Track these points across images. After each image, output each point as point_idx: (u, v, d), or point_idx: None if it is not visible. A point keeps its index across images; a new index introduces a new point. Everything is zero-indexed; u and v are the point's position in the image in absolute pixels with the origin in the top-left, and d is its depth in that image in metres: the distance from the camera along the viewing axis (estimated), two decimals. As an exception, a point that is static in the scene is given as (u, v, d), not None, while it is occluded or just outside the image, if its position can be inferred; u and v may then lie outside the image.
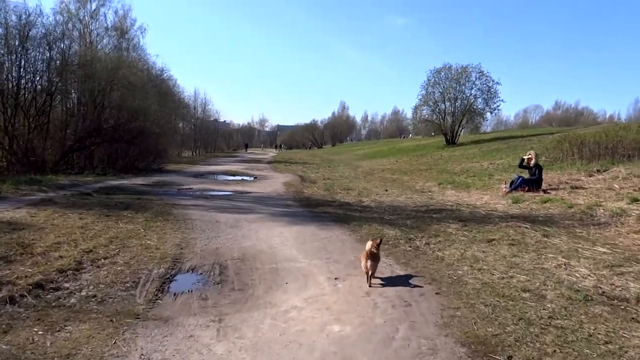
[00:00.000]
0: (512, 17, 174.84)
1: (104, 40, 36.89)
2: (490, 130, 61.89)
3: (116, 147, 22.33)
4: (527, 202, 10.78)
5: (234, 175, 22.16)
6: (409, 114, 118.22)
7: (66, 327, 3.95)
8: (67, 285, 5.11)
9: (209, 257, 6.47)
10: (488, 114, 38.88)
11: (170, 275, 5.66)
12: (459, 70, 37.23)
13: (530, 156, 12.61)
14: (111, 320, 4.12)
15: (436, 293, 4.89)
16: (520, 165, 12.85)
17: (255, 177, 20.57)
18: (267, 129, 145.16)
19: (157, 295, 4.93)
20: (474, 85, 37.11)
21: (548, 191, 11.75)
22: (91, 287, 5.07)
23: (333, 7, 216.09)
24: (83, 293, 4.87)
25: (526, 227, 8.16)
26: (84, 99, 24.58)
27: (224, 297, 4.93)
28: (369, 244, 5.51)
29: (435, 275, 5.60)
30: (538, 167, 12.34)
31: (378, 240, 5.64)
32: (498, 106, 37.35)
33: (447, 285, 5.17)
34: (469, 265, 6.03)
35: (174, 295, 4.98)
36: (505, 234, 7.76)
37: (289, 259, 6.44)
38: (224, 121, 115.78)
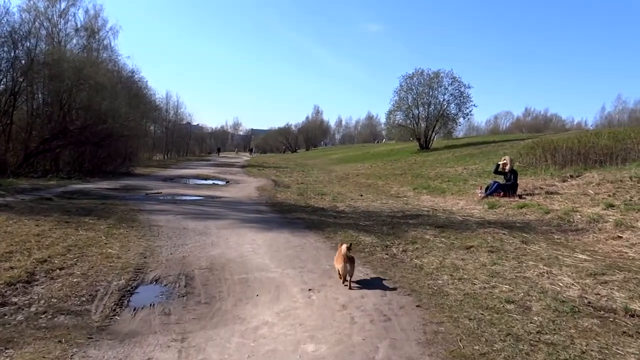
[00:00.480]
0: (484, 25, 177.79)
1: (74, 41, 35.97)
2: (462, 136, 62.55)
3: (82, 150, 21.54)
4: (504, 208, 10.66)
5: (205, 179, 21.62)
6: (382, 119, 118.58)
7: (7, 351, 3.51)
8: (15, 300, 4.65)
9: (174, 267, 6.06)
10: (461, 119, 39.24)
11: (131, 288, 5.24)
12: (431, 76, 37.52)
13: (505, 161, 12.53)
14: (60, 341, 3.70)
15: (417, 306, 4.59)
16: (496, 172, 12.75)
17: (228, 182, 20.09)
18: (241, 133, 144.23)
19: (115, 310, 4.52)
20: (446, 91, 37.51)
21: (523, 196, 11.67)
22: (42, 301, 4.62)
23: (307, 13, 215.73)
24: (32, 309, 4.42)
25: (504, 234, 7.97)
26: (49, 99, 23.69)
27: (188, 311, 4.55)
28: (343, 248, 5.38)
29: (414, 286, 5.32)
30: (513, 172, 12.25)
31: (348, 244, 5.50)
32: (470, 110, 37.74)
33: (428, 297, 4.89)
34: (448, 274, 5.78)
35: (134, 310, 4.58)
36: (484, 240, 7.56)
37: (261, 269, 6.08)
38: (197, 124, 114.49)
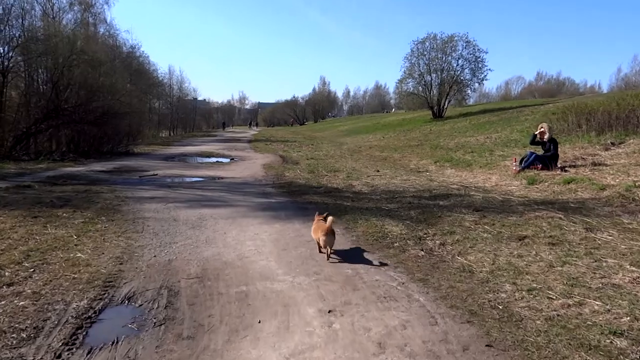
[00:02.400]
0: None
1: (68, 15, 34.45)
2: (473, 103, 60.11)
3: (77, 130, 20.18)
4: (547, 183, 9.22)
5: (208, 156, 20.26)
6: (391, 88, 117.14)
7: None
8: None
9: (155, 277, 4.75)
10: (476, 84, 37.26)
11: (94, 312, 3.94)
12: (445, 40, 35.54)
13: (542, 129, 11.01)
14: None
15: (487, 345, 3.22)
16: (533, 142, 11.22)
17: (232, 159, 18.74)
18: (247, 107, 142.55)
19: (60, 356, 3.23)
20: (460, 56, 35.54)
21: (566, 169, 10.20)
22: (-40, 345, 3.33)
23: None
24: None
25: (560, 218, 6.57)
26: (41, 77, 22.33)
27: (164, 353, 3.24)
28: (330, 219, 5.41)
29: (470, 303, 3.97)
30: (553, 141, 10.75)
31: (325, 214, 5.70)
32: (486, 75, 35.77)
33: (497, 327, 3.50)
34: (510, 281, 4.42)
35: (88, 353, 3.28)
36: (539, 227, 6.17)
37: (265, 276, 4.75)
38: (204, 100, 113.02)
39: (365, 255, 5.43)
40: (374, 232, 6.28)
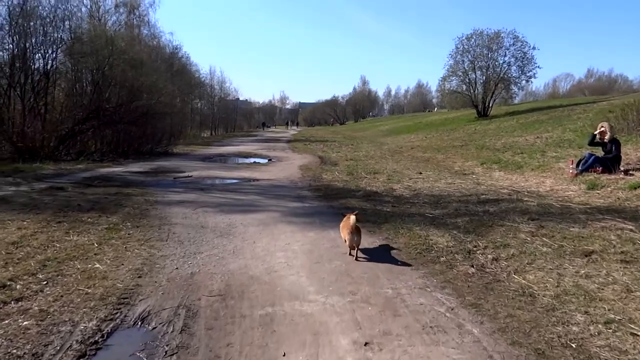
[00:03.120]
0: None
1: (113, 17, 35.17)
2: (519, 102, 57.56)
3: (118, 129, 20.28)
4: (609, 189, 8.33)
5: (246, 157, 19.99)
6: (433, 87, 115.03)
7: None
8: None
9: (175, 293, 4.30)
10: (524, 82, 35.62)
11: (102, 336, 3.51)
12: (491, 36, 34.20)
13: (603, 129, 10.05)
14: None
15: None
16: (592, 143, 10.25)
17: (270, 159, 18.37)
18: (288, 107, 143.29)
19: (53, 393, 2.80)
20: (507, 52, 34.11)
21: (630, 172, 9.25)
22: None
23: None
24: None
25: (631, 230, 5.78)
26: (84, 78, 22.60)
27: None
28: (352, 218, 5.22)
29: (536, 339, 3.30)
30: (615, 142, 9.80)
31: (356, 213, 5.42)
32: (535, 73, 34.16)
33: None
34: (581, 309, 3.73)
35: (86, 389, 2.84)
36: (607, 241, 5.41)
37: (294, 295, 4.23)
38: (246, 100, 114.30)
39: (408, 271, 4.83)
40: (417, 244, 5.66)
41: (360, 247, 5.34)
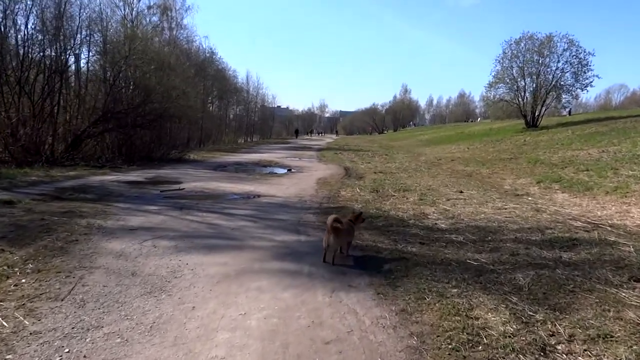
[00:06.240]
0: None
1: (145, 19, 34.21)
2: (566, 114, 53.10)
3: (126, 134, 18.62)
4: None
5: (265, 166, 17.95)
6: (476, 97, 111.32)
7: None
8: None
9: None
10: (578, 90, 32.16)
11: None
12: (542, 40, 31.05)
13: None
14: None
15: None
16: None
17: (289, 169, 16.29)
18: (327, 115, 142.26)
19: None
20: (560, 58, 30.84)
21: None
22: None
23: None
24: None
25: None
26: (97, 78, 21.23)
27: None
28: (331, 217, 4.79)
29: None
30: None
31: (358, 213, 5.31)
32: (592, 81, 30.75)
33: None
34: None
35: None
36: None
37: None
38: (287, 107, 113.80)
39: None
40: (455, 328, 3.36)
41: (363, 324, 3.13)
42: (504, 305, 3.74)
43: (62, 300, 3.83)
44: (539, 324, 3.44)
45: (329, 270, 4.64)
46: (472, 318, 3.51)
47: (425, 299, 3.88)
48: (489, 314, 3.60)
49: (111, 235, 5.82)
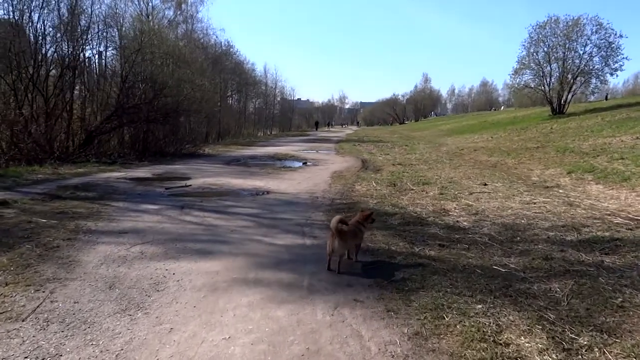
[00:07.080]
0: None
1: (160, 14, 33.97)
2: (594, 100, 50.96)
3: (138, 129, 18.27)
4: None
5: (280, 159, 17.37)
6: (499, 85, 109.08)
7: None
8: None
9: None
10: (607, 75, 30.73)
11: None
12: (569, 24, 29.76)
13: None
14: None
15: None
16: None
17: (305, 162, 15.72)
18: (347, 106, 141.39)
19: None
20: (588, 41, 29.53)
21: None
22: None
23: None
24: None
25: None
26: (109, 72, 20.94)
27: None
28: (335, 218, 4.19)
29: None
30: None
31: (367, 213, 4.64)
32: (622, 65, 29.36)
33: None
34: None
35: None
36: None
37: None
38: (307, 100, 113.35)
39: None
40: (481, 359, 2.75)
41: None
42: (540, 326, 3.10)
43: (23, 320, 3.32)
44: (583, 350, 2.81)
45: (333, 281, 4.04)
46: (501, 344, 2.89)
47: (444, 318, 3.25)
48: (522, 337, 2.97)
49: (97, 240, 5.31)
